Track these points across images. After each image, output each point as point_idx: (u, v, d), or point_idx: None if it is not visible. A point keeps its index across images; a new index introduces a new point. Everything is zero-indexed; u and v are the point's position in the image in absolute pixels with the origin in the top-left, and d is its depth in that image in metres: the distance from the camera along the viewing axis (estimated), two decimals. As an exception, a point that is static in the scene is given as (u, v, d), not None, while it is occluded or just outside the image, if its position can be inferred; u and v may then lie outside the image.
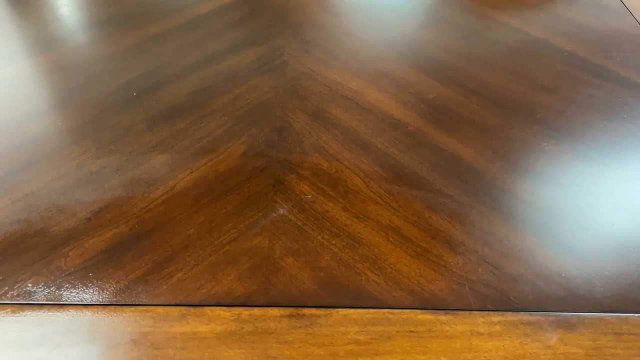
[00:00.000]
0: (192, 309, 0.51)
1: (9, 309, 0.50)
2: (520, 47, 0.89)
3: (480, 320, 0.51)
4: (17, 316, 0.50)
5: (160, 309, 0.50)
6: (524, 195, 0.63)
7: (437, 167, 0.66)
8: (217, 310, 0.51)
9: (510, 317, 0.51)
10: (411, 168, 0.66)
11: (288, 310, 0.51)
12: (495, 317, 0.51)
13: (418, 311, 0.51)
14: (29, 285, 0.52)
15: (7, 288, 0.52)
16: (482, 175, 0.65)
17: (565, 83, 0.81)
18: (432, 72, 0.82)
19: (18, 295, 0.51)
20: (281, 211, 0.60)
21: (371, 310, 0.51)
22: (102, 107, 0.73)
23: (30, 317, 0.50)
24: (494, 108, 0.76)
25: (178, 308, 0.51)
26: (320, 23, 0.92)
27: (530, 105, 0.77)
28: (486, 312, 0.52)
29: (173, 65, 0.81)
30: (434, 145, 0.69)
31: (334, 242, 0.57)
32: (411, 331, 0.50)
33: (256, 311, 0.51)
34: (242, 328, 0.49)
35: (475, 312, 0.52)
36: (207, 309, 0.51)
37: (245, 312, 0.51)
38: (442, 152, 0.68)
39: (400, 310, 0.51)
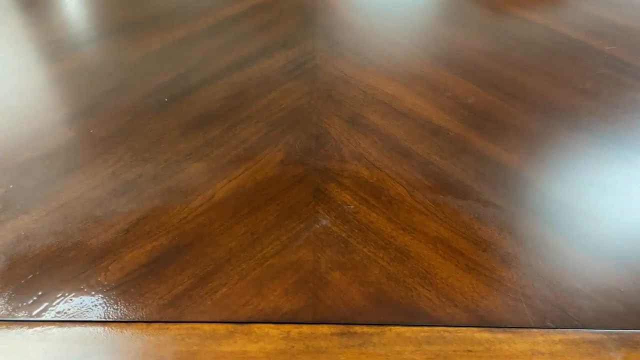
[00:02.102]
0: (239, 327, 0.49)
1: (49, 326, 0.48)
2: (557, 49, 0.87)
3: (541, 339, 0.49)
4: (57, 333, 0.48)
5: (206, 327, 0.48)
6: (575, 205, 0.61)
7: (482, 175, 0.64)
8: (265, 328, 0.49)
9: (572, 335, 0.49)
10: (455, 176, 0.64)
11: (339, 328, 0.49)
12: (556, 336, 0.49)
13: (475, 329, 0.49)
14: (69, 301, 0.50)
15: (46, 304, 0.50)
16: (529, 184, 0.63)
17: (608, 86, 0.78)
18: (469, 76, 0.80)
19: (58, 312, 0.49)
20: (324, 222, 0.58)
21: (425, 328, 0.49)
22: (134, 113, 0.71)
23: (72, 334, 0.48)
24: (536, 113, 0.73)
25: (224, 325, 0.49)
26: (350, 24, 0.90)
27: (573, 110, 0.74)
28: (545, 330, 0.49)
29: (203, 70, 0.79)
30: (478, 152, 0.67)
31: (380, 255, 0.55)
32: (469, 350, 0.47)
33: (305, 329, 0.49)
34: (293, 347, 0.47)
35: (535, 330, 0.49)
36: (254, 326, 0.49)
37: (294, 329, 0.49)
38: (486, 159, 0.66)
39: (456, 329, 0.49)
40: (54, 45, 0.85)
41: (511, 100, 0.75)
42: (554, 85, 0.79)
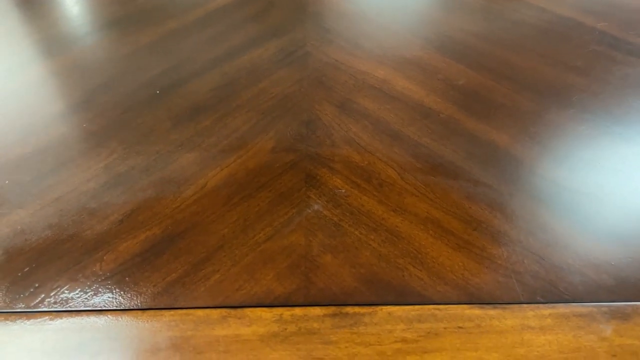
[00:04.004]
0: (232, 311, 0.49)
1: (46, 317, 0.49)
2: (549, 28, 0.86)
3: (531, 314, 0.49)
4: (55, 324, 0.49)
5: (200, 312, 0.49)
6: (566, 182, 0.61)
7: (473, 155, 0.64)
8: (258, 312, 0.49)
9: (562, 309, 0.49)
10: (446, 157, 0.64)
11: (331, 309, 0.49)
12: (546, 310, 0.49)
13: (465, 306, 0.50)
14: (66, 291, 0.51)
15: (43, 295, 0.51)
16: (520, 163, 0.63)
17: (599, 63, 0.78)
18: (460, 57, 0.80)
19: (55, 303, 0.50)
20: (316, 207, 0.58)
21: (416, 307, 0.49)
22: (125, 106, 0.71)
23: (69, 324, 0.49)
24: (527, 92, 0.73)
25: (218, 310, 0.49)
26: (340, 11, 0.90)
27: (564, 88, 0.74)
28: (536, 305, 0.50)
29: (194, 61, 0.79)
30: (468, 133, 0.67)
31: (372, 237, 0.55)
32: (460, 327, 0.48)
33: (298, 311, 0.49)
34: (285, 329, 0.48)
35: (525, 305, 0.50)
36: (247, 310, 0.49)
37: (286, 312, 0.49)
38: (477, 139, 0.66)
39: (447, 306, 0.49)
40: (47, 42, 0.85)
41: (502, 81, 0.75)
42: (545, 64, 0.78)
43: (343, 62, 0.79)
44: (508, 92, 0.73)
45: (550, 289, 0.51)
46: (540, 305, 0.50)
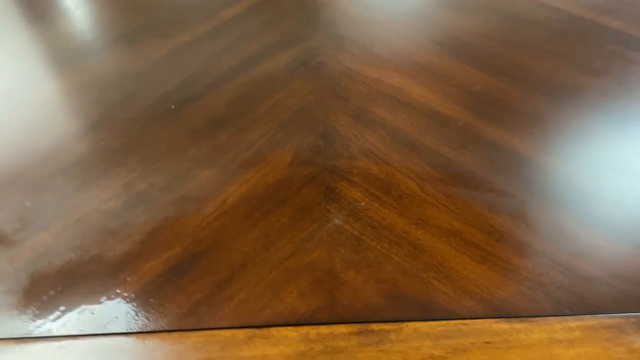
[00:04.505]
0: (258, 331, 0.49)
1: (74, 340, 0.50)
2: (563, 28, 0.85)
3: (558, 327, 0.49)
4: (82, 347, 0.49)
5: (226, 333, 0.49)
6: (590, 189, 0.60)
7: (494, 163, 0.63)
8: (284, 331, 0.49)
9: (589, 321, 0.49)
10: (466, 167, 0.63)
11: (356, 327, 0.49)
12: (573, 322, 0.49)
13: (492, 320, 0.49)
14: (91, 314, 0.51)
15: (70, 319, 0.51)
16: (542, 170, 0.62)
17: (616, 63, 0.77)
18: (475, 62, 0.79)
19: (82, 327, 0.50)
20: (336, 221, 0.58)
21: (442, 322, 0.49)
22: (142, 123, 0.72)
23: (96, 348, 0.49)
24: (544, 96, 0.72)
25: (244, 330, 0.49)
26: (353, 18, 0.90)
27: (582, 90, 0.73)
28: (563, 317, 0.49)
29: (208, 74, 0.79)
30: (487, 141, 0.66)
31: (394, 251, 0.55)
32: (487, 342, 0.48)
33: (323, 329, 0.49)
34: (312, 348, 0.48)
35: (551, 318, 0.49)
36: (273, 329, 0.49)
37: (312, 330, 0.49)
38: (497, 147, 0.65)
39: (473, 321, 0.49)
40: (61, 59, 0.86)
41: (518, 85, 0.74)
42: (561, 65, 0.77)
43: (357, 70, 0.78)
44: (525, 97, 0.72)
45: (577, 300, 0.51)
46: (568, 318, 0.49)
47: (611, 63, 0.77)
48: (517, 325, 0.49)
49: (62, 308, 0.52)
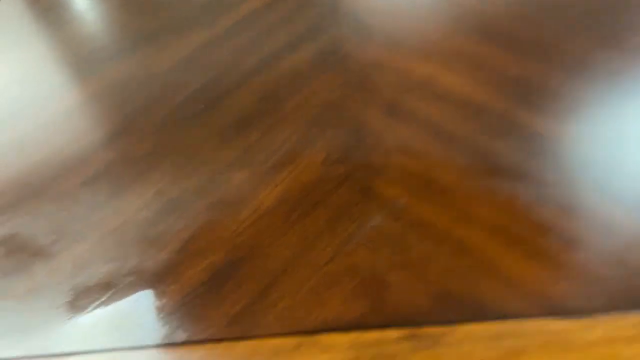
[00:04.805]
0: (305, 338, 0.48)
1: (120, 354, 0.49)
2: (598, 8, 0.81)
3: (618, 324, 0.47)
4: (128, 361, 0.48)
5: (274, 341, 0.48)
6: None
7: (536, 152, 0.61)
8: (332, 337, 0.48)
9: (651, 316, 0.47)
10: (507, 157, 0.61)
11: (407, 331, 0.48)
12: (636, 318, 0.47)
13: (547, 319, 0.47)
14: (137, 327, 0.51)
15: (116, 332, 0.50)
16: (588, 157, 0.60)
17: (658, 40, 0.73)
18: (508, 45, 0.76)
19: (129, 339, 0.50)
20: (375, 221, 0.57)
21: (495, 323, 0.47)
22: (169, 126, 0.70)
23: (143, 361, 0.48)
24: (583, 79, 0.69)
25: (291, 338, 0.48)
26: (377, 6, 0.87)
27: (623, 71, 0.70)
28: (622, 313, 0.47)
29: (232, 72, 0.77)
30: (527, 128, 0.64)
31: (439, 250, 0.53)
32: (544, 343, 0.46)
33: (372, 334, 0.48)
34: (362, 355, 0.46)
35: (610, 315, 0.47)
36: (320, 336, 0.48)
37: (361, 336, 0.48)
38: (538, 135, 0.63)
39: (528, 320, 0.47)
40: (80, 64, 0.85)
41: (555, 68, 0.71)
42: (599, 45, 0.74)
43: (384, 60, 0.76)
44: (563, 80, 0.69)
45: (636, 294, 0.48)
46: (627, 313, 0.47)
47: (651, 39, 0.74)
48: (575, 323, 0.47)
49: (106, 321, 0.51)
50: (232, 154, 0.65)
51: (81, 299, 0.53)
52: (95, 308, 0.52)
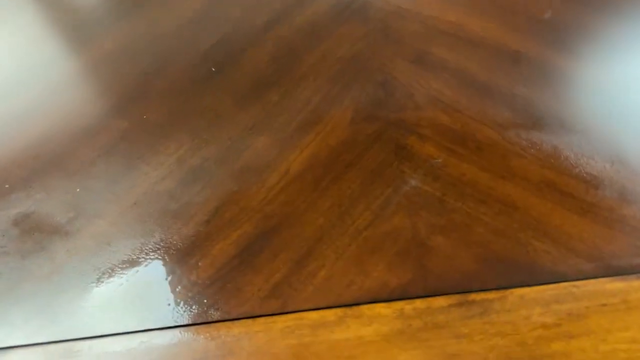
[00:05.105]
0: (348, 310, 0.46)
1: (153, 334, 0.47)
2: None
3: (680, 281, 0.44)
4: (164, 341, 0.46)
5: (314, 314, 0.46)
6: (693, 121, 0.54)
7: (579, 102, 0.57)
8: (376, 308, 0.46)
9: None
10: (548, 107, 0.57)
11: (455, 298, 0.45)
12: (697, 274, 0.44)
13: (605, 280, 0.45)
14: (168, 306, 0.48)
15: (147, 313, 0.48)
16: (636, 104, 0.56)
17: None
18: (539, -15, 0.70)
19: (160, 320, 0.47)
20: (413, 182, 0.53)
21: (550, 286, 0.45)
22: (183, 90, 0.66)
23: (180, 340, 0.46)
24: (626, 18, 0.64)
25: (333, 310, 0.46)
26: (392, -52, 0.80)
27: (667, 6, 0.65)
28: (683, 270, 0.45)
29: (245, 29, 0.72)
30: (567, 75, 0.59)
31: (482, 210, 0.50)
32: (604, 305, 0.43)
33: (419, 303, 0.45)
34: (410, 325, 0.44)
35: (671, 271, 0.44)
36: (364, 307, 0.46)
37: (407, 306, 0.45)
38: (578, 81, 0.58)
39: (584, 282, 0.45)
40: (80, 29, 0.79)
41: (594, 8, 0.66)
42: (639, -20, 0.68)
43: (407, 7, 0.71)
44: (604, 21, 0.64)
45: (697, 249, 0.46)
46: (689, 269, 0.45)
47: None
48: (635, 282, 0.44)
49: (135, 301, 0.49)
50: (252, 117, 0.61)
51: (105, 278, 0.51)
52: (121, 288, 0.50)
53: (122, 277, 0.51)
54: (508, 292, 0.45)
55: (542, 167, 0.52)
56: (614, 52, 0.61)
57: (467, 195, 0.51)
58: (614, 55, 0.60)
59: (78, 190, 0.58)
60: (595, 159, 0.52)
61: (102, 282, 0.50)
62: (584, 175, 0.51)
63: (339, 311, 0.46)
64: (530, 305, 0.44)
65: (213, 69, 0.67)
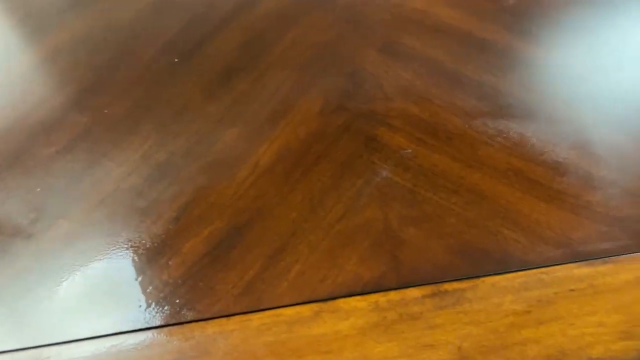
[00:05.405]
0: (324, 305, 0.46)
1: (124, 337, 0.46)
2: None
3: (642, 264, 0.46)
4: (136, 343, 0.45)
5: (289, 311, 0.46)
6: (653, 107, 0.55)
7: (545, 89, 0.58)
8: (351, 302, 0.46)
9: (675, 254, 0.46)
10: (515, 95, 0.57)
11: (428, 289, 0.46)
12: (659, 258, 0.46)
13: (572, 265, 0.46)
14: (139, 308, 0.47)
15: (117, 316, 0.47)
16: (601, 90, 0.57)
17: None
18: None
19: (132, 322, 0.46)
20: (384, 174, 0.53)
21: (520, 273, 0.46)
22: (145, 81, 0.64)
23: (152, 342, 0.45)
24: (590, 6, 0.65)
25: (308, 306, 0.46)
26: None
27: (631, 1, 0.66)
28: (646, 253, 0.46)
29: (210, 15, 0.70)
30: (533, 62, 0.60)
31: (453, 200, 0.51)
32: (572, 290, 0.44)
33: (393, 295, 0.46)
34: (385, 317, 0.44)
35: (636, 255, 0.46)
36: (339, 301, 0.46)
37: (381, 298, 0.46)
38: (546, 69, 0.59)
39: (552, 268, 0.46)
40: (31, 18, 0.75)
41: (556, -7, 0.67)
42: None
43: (374, -6, 0.70)
44: (568, 8, 0.65)
45: (658, 232, 0.47)
46: (651, 253, 0.46)
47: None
48: (601, 267, 0.45)
49: (105, 304, 0.48)
50: (220, 108, 0.60)
51: (73, 281, 0.49)
52: (89, 290, 0.48)
53: (90, 280, 0.49)
54: (479, 280, 0.46)
55: (509, 155, 0.53)
56: (579, 39, 0.62)
57: (438, 185, 0.52)
58: (578, 42, 0.61)
59: (38, 189, 0.56)
60: (561, 146, 0.53)
61: (70, 285, 0.49)
62: (550, 162, 0.52)
63: (314, 306, 0.46)
64: (501, 293, 0.45)
65: (176, 60, 0.65)
